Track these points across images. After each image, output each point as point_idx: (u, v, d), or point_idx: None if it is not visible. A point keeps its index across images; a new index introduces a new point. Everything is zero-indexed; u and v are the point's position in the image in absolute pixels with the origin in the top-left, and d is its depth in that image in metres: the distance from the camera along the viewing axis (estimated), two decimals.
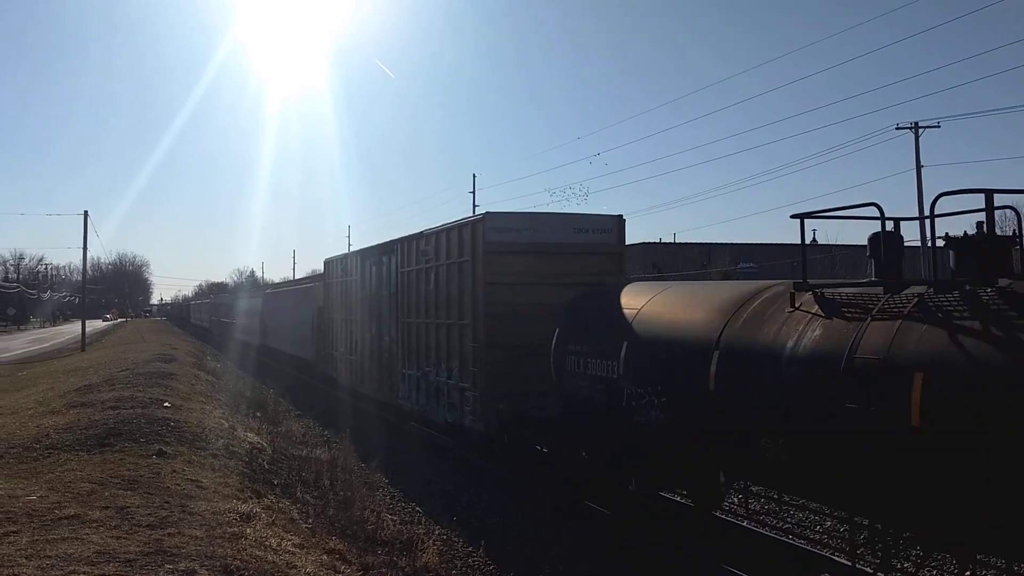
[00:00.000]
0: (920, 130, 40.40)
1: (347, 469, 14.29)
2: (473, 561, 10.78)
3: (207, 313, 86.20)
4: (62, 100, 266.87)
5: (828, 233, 77.10)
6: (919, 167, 40.39)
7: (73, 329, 76.31)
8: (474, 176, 65.03)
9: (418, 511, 13.39)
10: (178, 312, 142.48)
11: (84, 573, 6.45)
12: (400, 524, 11.86)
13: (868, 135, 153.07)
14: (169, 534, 7.75)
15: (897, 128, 41.51)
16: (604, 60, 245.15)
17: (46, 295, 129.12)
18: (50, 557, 6.83)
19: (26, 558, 6.80)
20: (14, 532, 7.62)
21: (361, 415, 22.36)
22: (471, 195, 64.29)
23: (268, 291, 54.95)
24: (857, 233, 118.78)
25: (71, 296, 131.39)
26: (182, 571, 6.68)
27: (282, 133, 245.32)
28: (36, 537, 7.46)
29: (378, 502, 13.26)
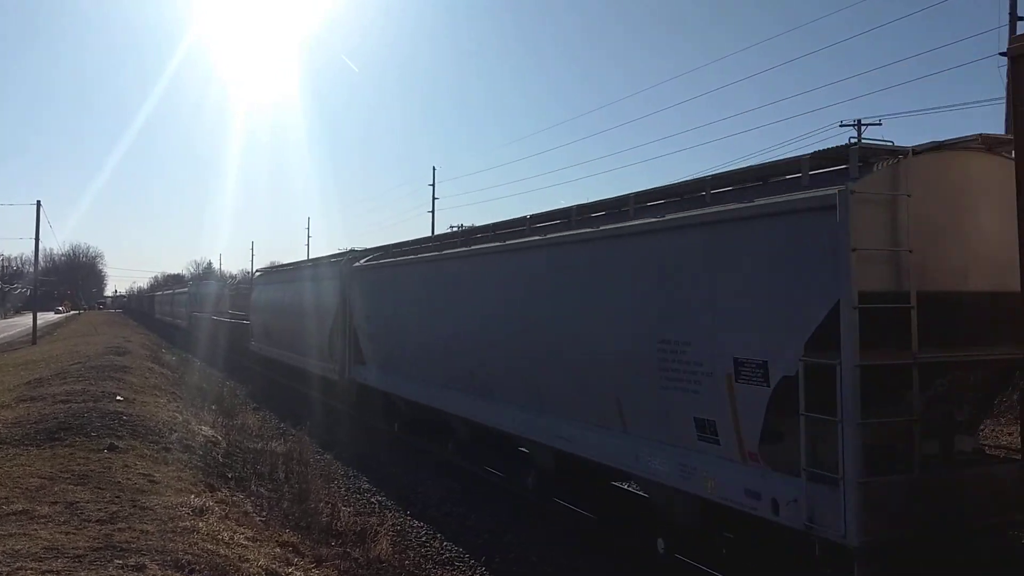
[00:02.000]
0: (863, 127, 41.22)
1: (303, 462, 14.29)
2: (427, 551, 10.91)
3: (183, 307, 67.32)
4: (18, 89, 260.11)
5: None
6: None
7: (24, 322, 74.23)
8: (434, 168, 64.54)
9: (373, 502, 13.46)
10: (137, 304, 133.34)
11: (32, 569, 6.42)
12: (355, 515, 11.92)
13: (820, 129, 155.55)
14: (119, 529, 7.73)
15: (841, 125, 42.36)
16: (563, 56, 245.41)
17: None
18: None
19: None
20: None
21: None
22: (431, 187, 64.01)
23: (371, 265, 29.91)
24: None
25: (23, 288, 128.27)
26: (132, 566, 6.68)
27: (243, 126, 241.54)
28: None
29: (333, 494, 13.29)
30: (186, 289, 73.91)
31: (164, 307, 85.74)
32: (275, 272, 33.36)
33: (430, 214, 63.85)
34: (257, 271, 38.04)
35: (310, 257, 38.55)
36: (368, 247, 21.78)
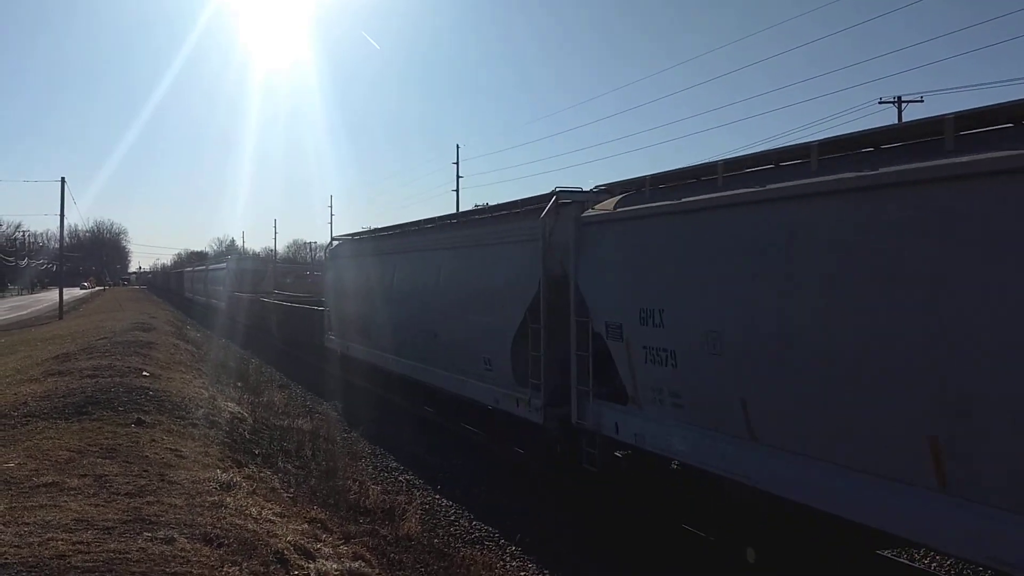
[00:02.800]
0: (904, 104, 40.50)
1: (330, 439, 14.26)
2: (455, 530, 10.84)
3: (220, 285, 57.33)
4: (41, 66, 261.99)
5: None
6: None
7: (51, 297, 74.95)
8: (457, 147, 64.28)
9: (401, 481, 13.41)
10: (163, 282, 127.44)
11: (62, 540, 6.39)
12: (383, 493, 11.87)
13: (850, 109, 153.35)
14: (148, 502, 7.69)
15: (880, 102, 41.60)
16: (585, 34, 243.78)
17: (24, 262, 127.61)
18: (28, 524, 6.76)
19: (3, 524, 6.74)
20: None
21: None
22: (455, 166, 63.74)
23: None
24: None
25: (49, 264, 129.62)
26: (161, 539, 6.63)
27: (265, 103, 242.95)
28: (14, 504, 7.38)
29: (360, 472, 13.26)
30: (224, 265, 62.82)
31: (197, 285, 74.73)
32: (381, 239, 21.83)
33: (455, 192, 63.67)
34: (334, 239, 27.43)
35: (458, 211, 27.75)
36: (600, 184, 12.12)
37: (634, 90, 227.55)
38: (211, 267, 71.65)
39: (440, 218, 18.54)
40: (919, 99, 39.85)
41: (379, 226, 23.34)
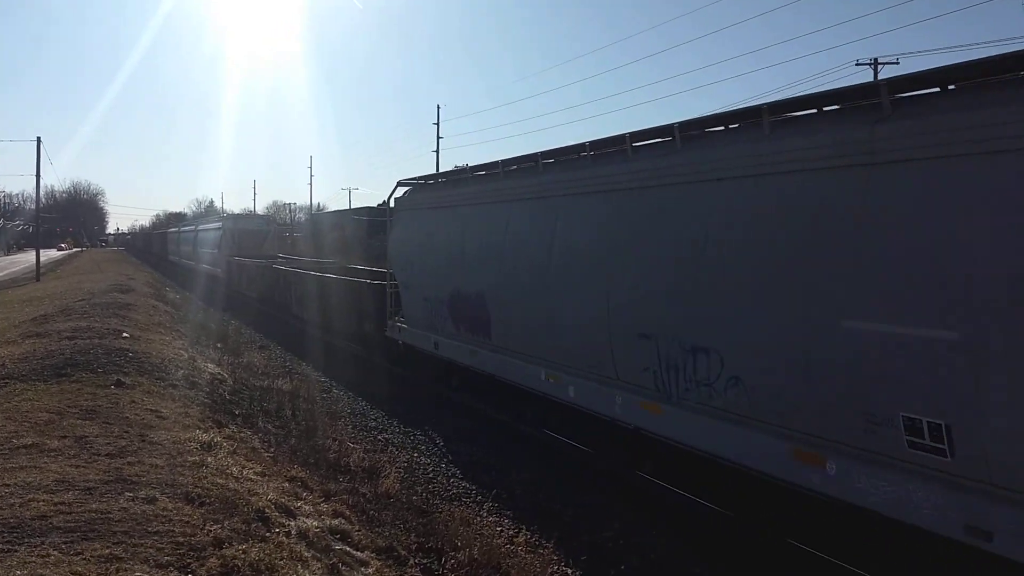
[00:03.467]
0: (879, 66, 40.60)
1: (309, 399, 14.37)
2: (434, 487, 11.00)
3: (214, 249, 49.15)
4: (16, 22, 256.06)
5: None
6: None
7: (27, 259, 74.00)
8: (438, 107, 64.02)
9: (379, 439, 13.57)
10: (144, 244, 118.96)
11: (43, 501, 6.46)
12: (363, 452, 12.02)
13: (834, 68, 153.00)
14: (129, 463, 7.77)
15: (857, 64, 41.84)
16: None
17: None
18: (8, 485, 6.82)
19: None
20: None
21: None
22: (435, 127, 63.24)
23: None
24: None
25: (25, 225, 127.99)
26: (142, 499, 6.73)
27: (246, 63, 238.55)
28: None
29: (339, 431, 13.39)
30: (219, 224, 51.81)
31: (184, 247, 63.65)
32: (515, 175, 13.35)
33: (435, 153, 63.23)
34: (403, 183, 18.18)
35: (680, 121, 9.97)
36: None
37: (631, 45, 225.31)
38: (201, 227, 59.42)
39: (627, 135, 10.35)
40: (895, 61, 40.00)
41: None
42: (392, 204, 18.48)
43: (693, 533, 9.36)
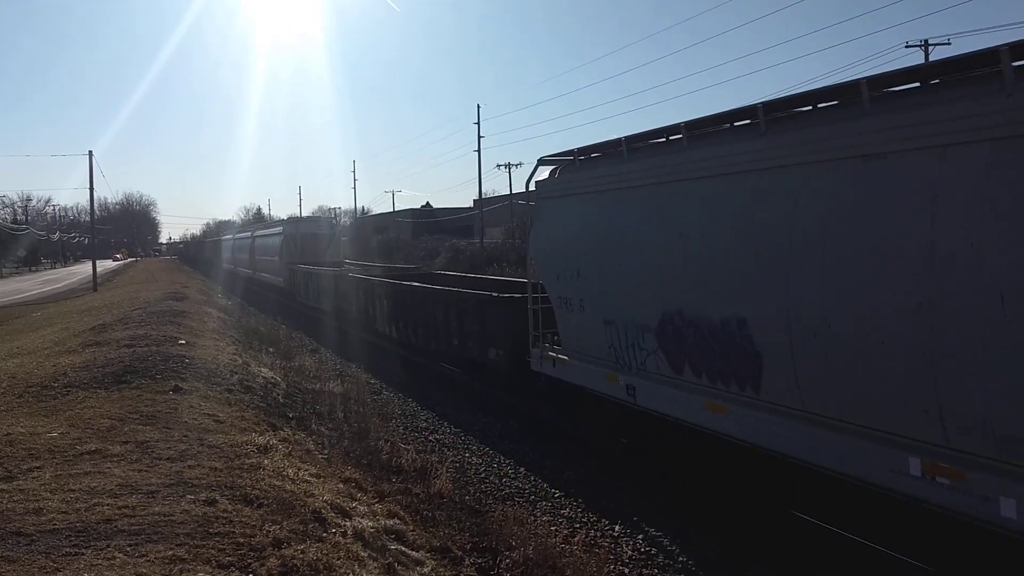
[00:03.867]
0: (931, 47, 39.72)
1: (360, 401, 14.50)
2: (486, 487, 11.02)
3: (272, 257, 45.47)
4: (70, 41, 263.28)
5: None
6: None
7: (84, 270, 75.77)
8: (479, 107, 64.15)
9: (431, 440, 13.64)
10: (196, 252, 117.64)
11: (108, 505, 6.62)
12: (415, 453, 12.09)
13: (878, 54, 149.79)
14: (189, 466, 7.92)
15: (907, 46, 40.94)
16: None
17: (55, 236, 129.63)
18: (74, 491, 7.00)
19: (50, 492, 6.98)
20: (37, 468, 7.80)
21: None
22: (475, 126, 63.38)
23: None
24: None
25: (80, 237, 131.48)
26: (203, 500, 6.85)
27: (285, 69, 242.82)
28: (59, 472, 7.64)
29: (391, 432, 13.49)
30: (279, 230, 46.98)
31: (238, 255, 60.18)
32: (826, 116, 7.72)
33: (476, 153, 63.38)
34: (545, 160, 13.30)
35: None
36: None
37: (666, 38, 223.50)
38: (258, 233, 55.59)
39: None
40: (947, 42, 39.09)
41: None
42: (533, 188, 13.61)
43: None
